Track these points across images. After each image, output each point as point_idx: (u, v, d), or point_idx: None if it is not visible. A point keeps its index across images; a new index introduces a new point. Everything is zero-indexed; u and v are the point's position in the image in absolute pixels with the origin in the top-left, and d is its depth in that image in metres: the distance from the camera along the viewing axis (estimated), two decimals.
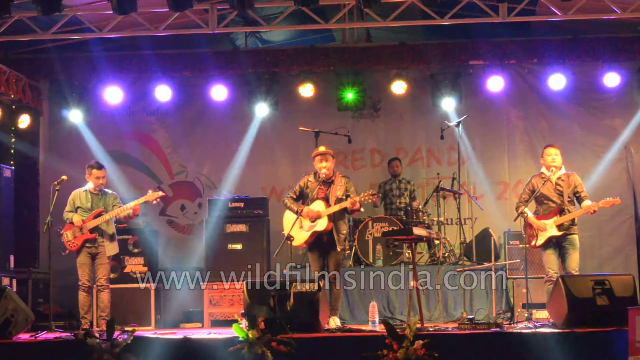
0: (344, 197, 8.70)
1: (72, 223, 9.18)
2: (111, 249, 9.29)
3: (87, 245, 9.18)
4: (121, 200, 9.46)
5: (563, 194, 8.84)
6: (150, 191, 9.44)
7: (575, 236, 8.81)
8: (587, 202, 8.80)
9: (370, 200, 8.73)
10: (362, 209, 8.86)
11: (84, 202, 9.27)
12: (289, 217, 8.87)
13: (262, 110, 11.97)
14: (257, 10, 10.52)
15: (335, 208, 8.65)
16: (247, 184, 11.95)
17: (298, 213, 8.68)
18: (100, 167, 9.36)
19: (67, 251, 9.28)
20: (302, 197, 8.88)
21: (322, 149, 8.98)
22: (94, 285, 9.26)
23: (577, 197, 8.89)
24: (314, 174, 8.93)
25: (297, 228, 8.72)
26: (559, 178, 8.91)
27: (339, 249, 8.70)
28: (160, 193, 9.48)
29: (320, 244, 8.77)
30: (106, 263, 9.26)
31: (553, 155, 8.94)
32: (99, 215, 9.19)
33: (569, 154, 10.59)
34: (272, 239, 10.80)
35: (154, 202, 9.56)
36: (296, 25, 11.29)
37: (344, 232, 8.77)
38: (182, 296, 11.00)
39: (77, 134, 12.16)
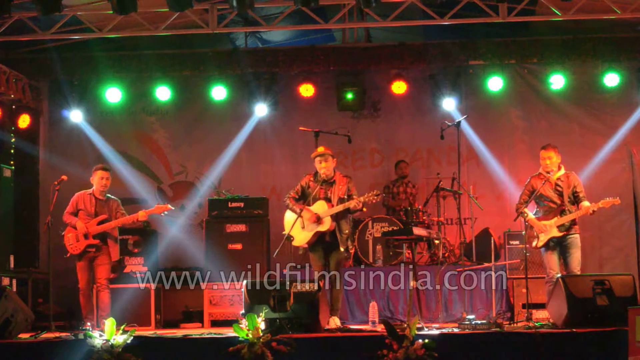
0: (345, 197, 8.69)
1: (74, 227, 9.16)
2: (113, 254, 9.29)
3: (89, 250, 9.17)
4: (121, 202, 9.45)
5: (563, 195, 8.82)
6: (158, 203, 9.46)
7: (576, 236, 8.79)
8: (585, 203, 8.75)
9: (374, 201, 8.72)
10: (364, 209, 8.85)
11: (87, 206, 9.25)
12: (289, 217, 8.86)
13: (261, 110, 11.96)
14: (257, 10, 10.51)
15: (339, 208, 8.63)
16: (247, 184, 11.93)
17: (299, 214, 8.67)
18: (105, 169, 9.37)
19: (68, 254, 9.27)
20: (304, 197, 8.87)
21: (321, 149, 8.97)
22: (94, 285, 9.26)
23: (575, 197, 8.86)
24: (314, 173, 8.92)
25: (297, 228, 8.71)
26: (558, 179, 8.87)
27: (341, 249, 8.69)
28: (169, 207, 9.47)
29: (323, 243, 8.76)
30: (106, 263, 9.25)
31: (545, 158, 8.89)
32: (102, 221, 9.17)
33: (569, 154, 10.55)
34: (272, 239, 10.80)
35: (162, 215, 9.56)
36: (296, 25, 11.30)
37: (347, 231, 8.75)
38: (182, 296, 10.99)
39: (77, 133, 12.16)
